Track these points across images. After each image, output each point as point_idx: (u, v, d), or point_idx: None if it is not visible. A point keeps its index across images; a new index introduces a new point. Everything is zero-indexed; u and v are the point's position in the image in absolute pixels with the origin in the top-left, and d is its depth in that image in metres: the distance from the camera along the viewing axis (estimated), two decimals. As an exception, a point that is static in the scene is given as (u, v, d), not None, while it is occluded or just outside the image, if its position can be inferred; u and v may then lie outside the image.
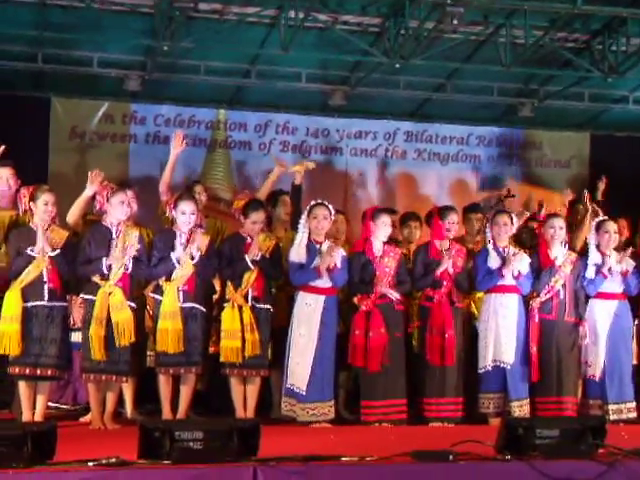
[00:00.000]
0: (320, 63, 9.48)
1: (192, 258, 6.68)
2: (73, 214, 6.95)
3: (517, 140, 10.66)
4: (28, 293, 6.42)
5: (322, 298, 6.91)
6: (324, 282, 6.92)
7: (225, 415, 6.88)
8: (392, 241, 7.46)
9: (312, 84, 9.59)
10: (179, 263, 6.68)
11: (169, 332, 6.58)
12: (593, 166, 10.61)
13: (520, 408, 7.06)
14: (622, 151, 10.61)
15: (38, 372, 6.43)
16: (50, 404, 7.03)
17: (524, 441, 4.68)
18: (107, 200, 6.65)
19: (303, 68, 9.43)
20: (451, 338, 7.06)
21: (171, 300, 6.63)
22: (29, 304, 6.41)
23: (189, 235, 6.75)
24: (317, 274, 6.88)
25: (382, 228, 7.14)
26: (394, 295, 7.06)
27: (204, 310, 6.80)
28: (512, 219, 7.30)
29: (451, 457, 4.58)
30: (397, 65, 8.98)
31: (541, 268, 7.25)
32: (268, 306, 6.98)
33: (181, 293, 6.67)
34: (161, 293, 6.71)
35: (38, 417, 6.40)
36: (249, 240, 6.95)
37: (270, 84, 9.58)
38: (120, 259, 6.50)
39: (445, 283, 7.16)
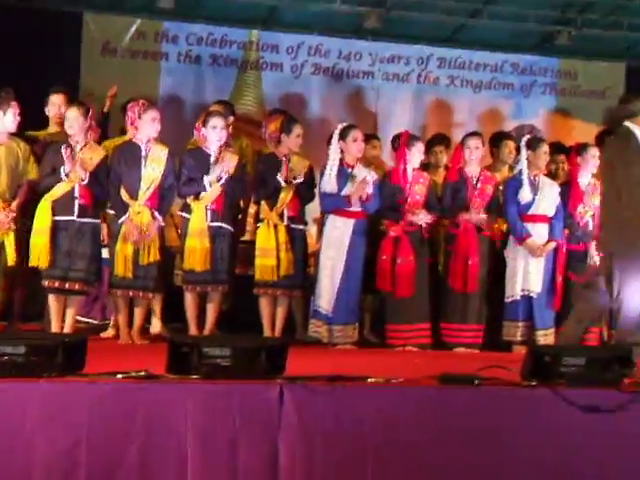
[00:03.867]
0: (355, -16, 9.31)
1: (219, 180, 6.67)
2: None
3: (552, 69, 10.48)
4: (58, 207, 6.47)
5: (351, 222, 6.91)
6: (355, 207, 6.91)
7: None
8: (422, 166, 7.43)
9: (347, 5, 9.42)
10: (210, 185, 6.68)
11: (197, 250, 6.63)
12: (628, 98, 10.41)
13: (545, 337, 7.07)
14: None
15: (67, 286, 6.51)
16: (79, 318, 7.12)
17: (550, 368, 4.66)
18: (139, 117, 6.64)
19: (339, -11, 9.26)
20: (474, 265, 7.04)
21: (199, 219, 6.66)
22: (59, 218, 6.47)
23: (218, 155, 6.74)
24: (348, 203, 6.88)
25: (416, 155, 7.10)
26: (425, 219, 7.04)
27: (232, 230, 6.82)
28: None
29: (476, 381, 4.60)
30: (434, -12, 8.83)
31: (571, 199, 7.20)
32: (303, 227, 7.01)
33: (209, 212, 6.70)
34: (189, 211, 6.73)
35: (67, 330, 6.49)
36: (285, 160, 6.93)
37: (304, 5, 9.44)
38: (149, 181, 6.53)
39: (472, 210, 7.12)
